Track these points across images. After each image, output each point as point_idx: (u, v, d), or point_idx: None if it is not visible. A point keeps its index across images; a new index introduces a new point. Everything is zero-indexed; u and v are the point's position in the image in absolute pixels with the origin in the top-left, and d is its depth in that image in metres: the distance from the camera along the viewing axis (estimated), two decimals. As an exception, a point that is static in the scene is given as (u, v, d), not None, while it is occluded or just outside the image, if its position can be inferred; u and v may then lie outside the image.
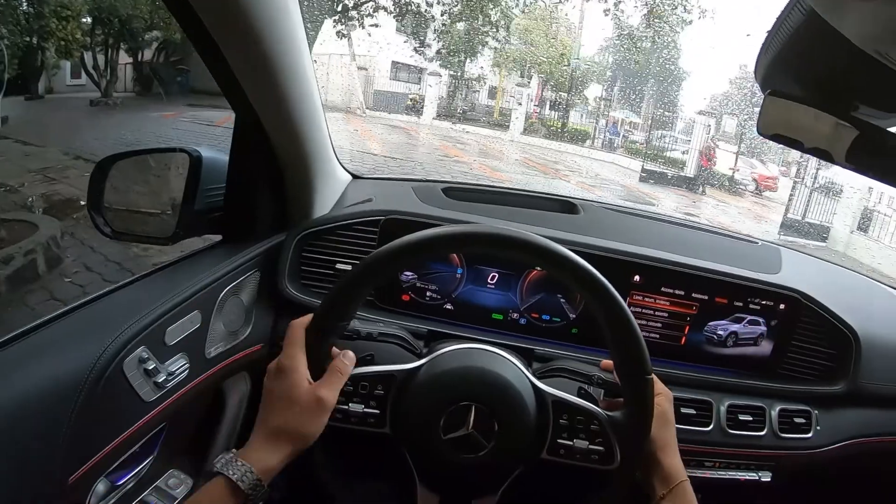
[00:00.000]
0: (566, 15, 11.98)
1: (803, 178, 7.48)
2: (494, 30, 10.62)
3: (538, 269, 0.99)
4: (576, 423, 0.68)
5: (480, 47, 11.20)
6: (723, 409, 0.95)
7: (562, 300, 1.01)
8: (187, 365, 0.78)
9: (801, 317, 1.00)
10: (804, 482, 1.00)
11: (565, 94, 11.98)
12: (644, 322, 1.00)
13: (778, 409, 0.97)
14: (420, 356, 0.74)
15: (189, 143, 0.93)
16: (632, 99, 11.59)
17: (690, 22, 9.12)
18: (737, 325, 1.00)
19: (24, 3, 6.41)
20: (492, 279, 1.01)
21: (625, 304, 0.64)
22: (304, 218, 1.03)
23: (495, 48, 11.41)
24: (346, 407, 0.68)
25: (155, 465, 0.81)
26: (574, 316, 1.01)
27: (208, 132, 6.74)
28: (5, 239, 3.21)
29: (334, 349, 0.68)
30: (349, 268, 0.99)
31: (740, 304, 0.99)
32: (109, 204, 0.91)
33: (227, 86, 0.80)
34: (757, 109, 0.51)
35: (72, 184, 4.47)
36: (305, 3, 0.79)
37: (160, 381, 0.72)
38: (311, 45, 0.85)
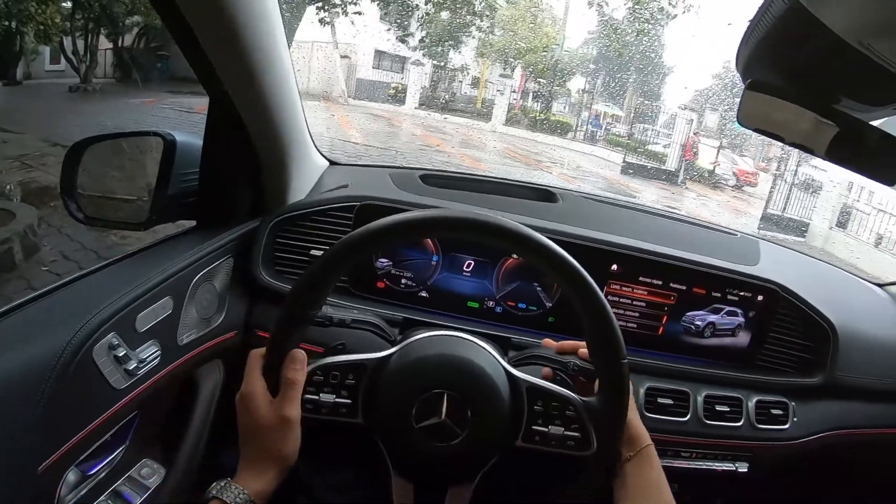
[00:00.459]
0: (550, 6, 11.99)
1: (783, 174, 7.62)
2: (479, 19, 10.56)
3: (514, 256, 0.99)
4: (551, 410, 0.68)
5: (464, 37, 11.13)
6: (700, 399, 0.96)
7: (538, 288, 1.00)
8: (159, 352, 0.76)
9: (778, 308, 1.01)
10: (781, 473, 1.01)
11: (548, 86, 11.99)
12: (621, 311, 1.00)
13: (755, 400, 0.97)
14: (394, 344, 0.73)
15: (168, 129, 0.91)
16: (614, 91, 11.67)
17: (675, 16, 9.19)
18: (714, 316, 1.01)
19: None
20: (467, 267, 1.00)
21: (598, 288, 0.63)
22: (280, 204, 1.01)
23: (479, 38, 11.35)
24: (317, 397, 0.67)
25: (127, 455, 0.79)
26: (550, 304, 1.01)
27: (188, 119, 6.68)
28: (-19, 227, 3.12)
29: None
30: None
31: (718, 294, 1.00)
32: (83, 189, 0.89)
33: (198, 63, 0.78)
34: (738, 101, 0.50)
35: (49, 171, 4.42)
36: (286, -11, 0.77)
37: (131, 368, 0.71)
38: (291, 30, 0.83)
